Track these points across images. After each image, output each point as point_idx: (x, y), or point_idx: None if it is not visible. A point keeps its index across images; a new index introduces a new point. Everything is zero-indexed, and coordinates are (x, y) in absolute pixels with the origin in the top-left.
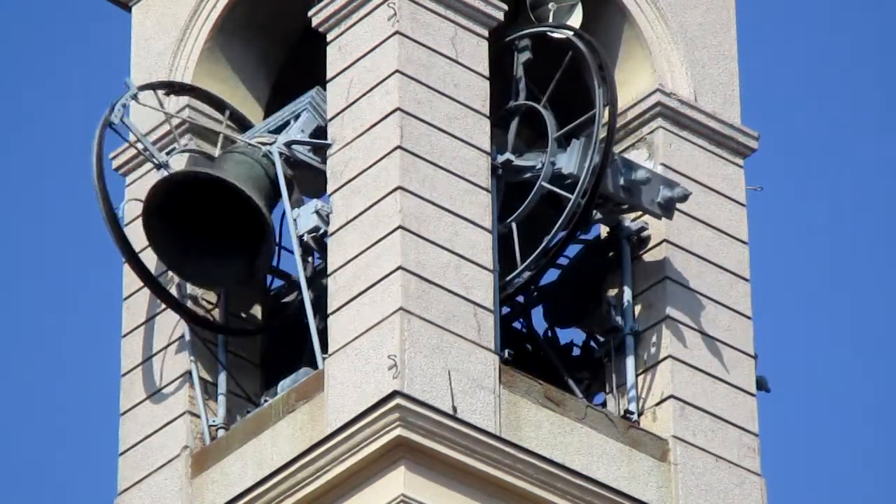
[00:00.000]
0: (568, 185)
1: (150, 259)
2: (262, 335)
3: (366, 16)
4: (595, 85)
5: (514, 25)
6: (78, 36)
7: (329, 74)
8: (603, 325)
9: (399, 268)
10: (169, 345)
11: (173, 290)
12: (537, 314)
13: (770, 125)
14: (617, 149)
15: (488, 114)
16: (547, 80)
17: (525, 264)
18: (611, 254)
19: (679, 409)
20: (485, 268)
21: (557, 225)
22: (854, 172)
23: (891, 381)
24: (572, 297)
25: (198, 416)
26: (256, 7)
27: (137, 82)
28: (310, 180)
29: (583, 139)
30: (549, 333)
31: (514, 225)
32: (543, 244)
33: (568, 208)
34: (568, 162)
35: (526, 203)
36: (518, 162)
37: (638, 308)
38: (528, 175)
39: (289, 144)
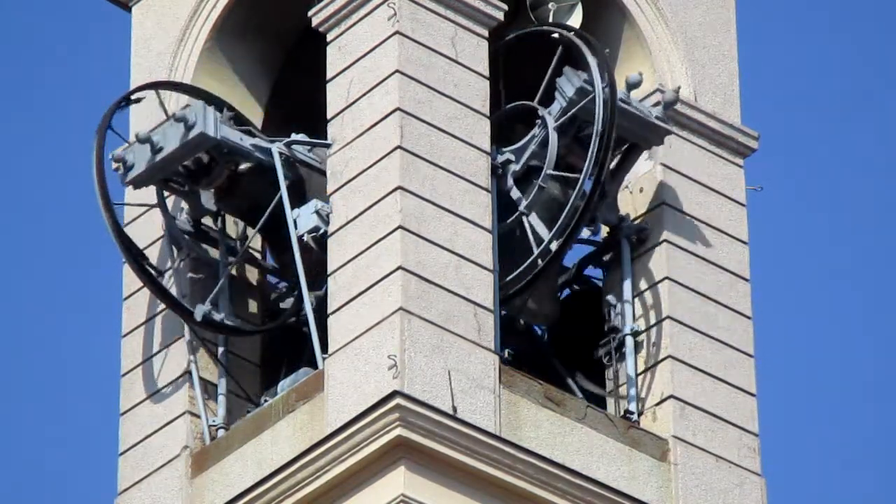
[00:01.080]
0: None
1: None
2: (262, 335)
3: (366, 16)
4: (563, 28)
5: (514, 25)
6: (78, 36)
7: (329, 74)
8: (603, 325)
9: (399, 268)
10: (169, 345)
11: (173, 290)
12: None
13: (770, 125)
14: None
15: (488, 114)
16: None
17: (578, 194)
18: (610, 254)
19: (679, 409)
20: (485, 268)
21: (593, 140)
22: (854, 172)
23: (891, 380)
24: (572, 297)
25: (198, 416)
26: (256, 7)
27: (137, 82)
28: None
29: (566, 69)
30: (550, 333)
31: (547, 182)
32: (583, 174)
33: (596, 123)
34: (565, 91)
35: (549, 153)
36: (514, 147)
37: (638, 308)
38: (530, 151)
39: (289, 144)
